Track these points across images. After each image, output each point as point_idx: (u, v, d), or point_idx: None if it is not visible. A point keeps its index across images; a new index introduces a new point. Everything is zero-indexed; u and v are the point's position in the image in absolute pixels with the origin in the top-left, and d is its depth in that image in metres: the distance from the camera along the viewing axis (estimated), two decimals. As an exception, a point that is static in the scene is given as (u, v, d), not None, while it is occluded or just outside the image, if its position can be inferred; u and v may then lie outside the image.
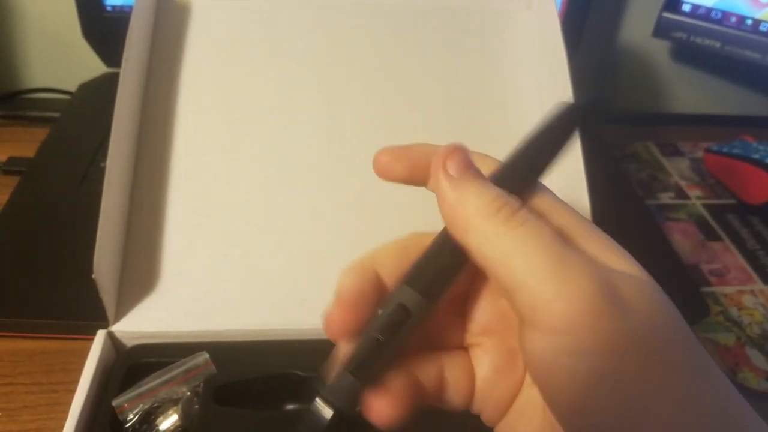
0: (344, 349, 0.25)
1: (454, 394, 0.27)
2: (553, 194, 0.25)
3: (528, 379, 0.26)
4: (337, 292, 0.26)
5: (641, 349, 0.20)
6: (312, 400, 0.24)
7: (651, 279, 0.22)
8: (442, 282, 0.25)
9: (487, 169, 0.25)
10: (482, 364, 0.27)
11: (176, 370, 0.40)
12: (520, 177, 0.25)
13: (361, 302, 0.25)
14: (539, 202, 0.25)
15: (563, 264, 0.20)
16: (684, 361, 0.21)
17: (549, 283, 0.20)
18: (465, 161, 0.24)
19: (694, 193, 0.72)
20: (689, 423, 0.20)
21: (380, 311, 0.24)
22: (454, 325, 0.28)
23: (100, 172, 0.41)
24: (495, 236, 0.22)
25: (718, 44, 0.72)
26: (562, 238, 0.22)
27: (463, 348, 0.28)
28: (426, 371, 0.26)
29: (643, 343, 0.20)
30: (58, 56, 0.81)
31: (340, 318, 0.25)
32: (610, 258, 0.22)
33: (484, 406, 0.27)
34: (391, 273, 0.26)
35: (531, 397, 0.26)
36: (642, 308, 0.21)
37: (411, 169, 0.27)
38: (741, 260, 0.62)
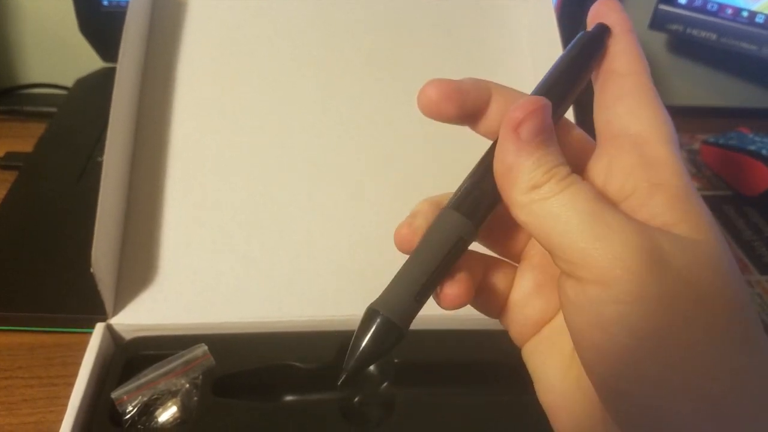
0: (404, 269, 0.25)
1: (488, 300, 0.28)
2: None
3: None
4: (413, 212, 0.26)
5: (686, 305, 0.20)
6: (371, 312, 0.25)
7: (713, 245, 0.22)
8: (489, 209, 0.25)
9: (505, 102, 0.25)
10: (524, 278, 0.27)
11: (175, 362, 0.40)
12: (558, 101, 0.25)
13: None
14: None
15: (601, 223, 0.21)
16: (736, 328, 0.21)
17: (587, 240, 0.21)
18: (539, 127, 0.23)
19: (690, 184, 0.72)
20: (748, 388, 0.20)
21: (433, 235, 0.25)
22: (514, 235, 0.28)
23: (98, 167, 0.41)
24: (537, 203, 0.22)
25: (714, 36, 0.72)
26: (603, 199, 0.22)
27: (516, 259, 0.29)
28: (473, 268, 0.27)
29: (686, 300, 0.20)
30: (55, 51, 0.81)
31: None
32: (671, 215, 0.22)
33: (514, 318, 0.27)
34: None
35: (564, 329, 0.25)
36: (688, 269, 0.21)
37: (461, 110, 0.25)
38: (737, 251, 0.62)
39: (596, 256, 0.21)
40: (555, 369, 0.25)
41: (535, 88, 0.25)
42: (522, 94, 0.25)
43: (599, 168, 0.25)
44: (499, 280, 0.28)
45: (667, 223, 0.22)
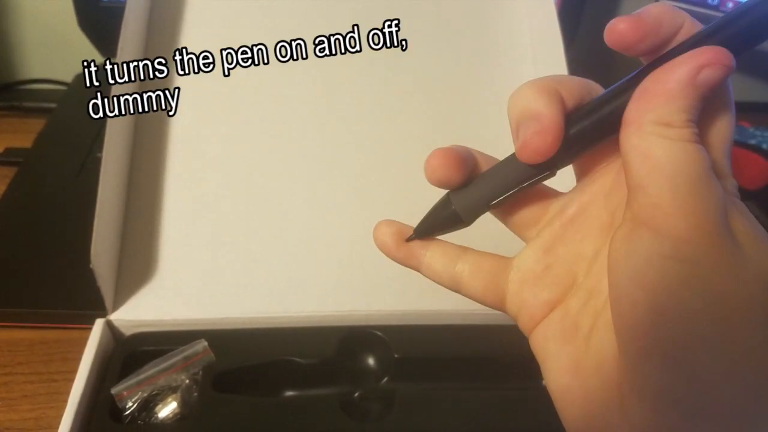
0: (484, 177, 0.27)
1: (496, 283, 0.28)
2: None
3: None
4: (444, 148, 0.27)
5: (753, 286, 0.21)
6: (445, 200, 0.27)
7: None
8: (591, 144, 0.25)
9: None
10: (533, 257, 0.27)
11: (175, 358, 0.40)
12: None
13: (460, 161, 0.26)
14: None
15: (706, 185, 0.21)
16: None
17: (686, 194, 0.21)
18: (717, 81, 0.22)
19: (691, 179, 0.72)
20: None
21: (511, 166, 0.26)
22: (529, 208, 0.28)
23: (97, 163, 0.41)
24: (661, 138, 0.22)
25: (714, 30, 0.72)
26: (712, 170, 0.22)
27: (524, 234, 0.29)
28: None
29: (756, 283, 0.21)
30: (54, 47, 0.80)
31: (439, 162, 0.26)
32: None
33: (523, 298, 0.27)
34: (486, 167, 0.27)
35: (581, 311, 0.25)
36: (754, 256, 0.21)
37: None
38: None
39: (688, 211, 0.21)
40: (568, 354, 0.25)
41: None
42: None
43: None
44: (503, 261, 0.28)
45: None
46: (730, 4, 0.70)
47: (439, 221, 0.27)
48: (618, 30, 0.23)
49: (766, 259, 0.21)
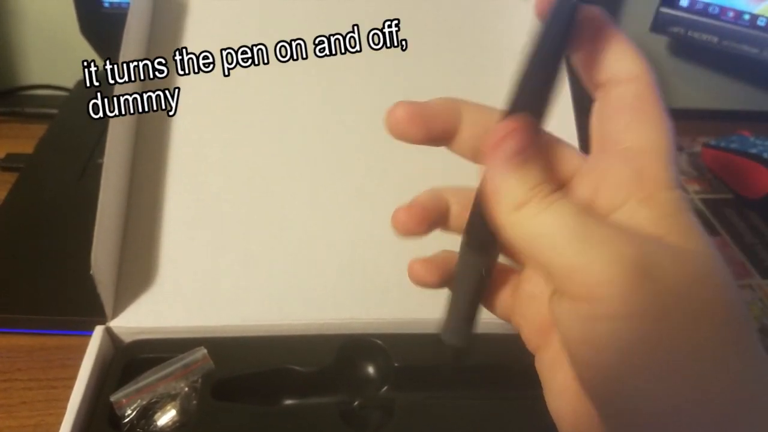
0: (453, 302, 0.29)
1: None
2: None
3: None
4: (413, 200, 0.29)
5: (675, 318, 0.20)
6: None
7: (703, 257, 0.21)
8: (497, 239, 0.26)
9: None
10: (530, 281, 0.28)
11: (174, 366, 0.40)
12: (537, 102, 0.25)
13: (425, 215, 0.28)
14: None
15: (587, 238, 0.21)
16: (728, 339, 0.21)
17: (574, 257, 0.21)
18: (519, 146, 0.23)
19: (692, 187, 0.72)
20: (746, 400, 0.20)
21: (460, 276, 0.28)
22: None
23: (98, 169, 0.41)
24: (521, 222, 0.22)
25: (715, 39, 0.72)
26: (589, 213, 0.22)
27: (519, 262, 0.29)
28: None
29: (675, 313, 0.20)
30: (56, 53, 0.81)
31: (405, 219, 0.28)
32: (658, 228, 0.22)
33: (522, 322, 0.28)
34: (459, 207, 0.28)
35: None
36: (676, 281, 0.20)
37: (428, 133, 0.26)
38: (739, 255, 0.62)
39: (584, 272, 0.20)
40: (561, 378, 0.25)
41: (510, 95, 0.25)
42: (494, 110, 0.25)
43: (589, 181, 0.25)
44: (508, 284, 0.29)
45: (654, 236, 0.22)
46: (731, 14, 0.71)
47: (449, 363, 0.30)
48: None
49: (693, 291, 0.21)
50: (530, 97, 0.24)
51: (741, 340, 0.21)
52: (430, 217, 0.28)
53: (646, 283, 0.20)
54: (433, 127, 0.26)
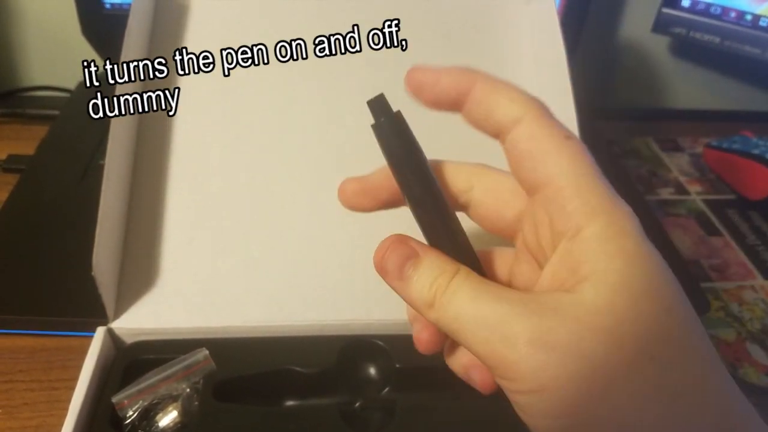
0: None
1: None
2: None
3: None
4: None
5: (581, 387, 0.21)
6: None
7: (629, 284, 0.21)
8: None
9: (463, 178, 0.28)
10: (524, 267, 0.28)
11: (176, 367, 0.40)
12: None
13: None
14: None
15: (487, 326, 0.22)
16: (650, 384, 0.21)
17: (481, 344, 0.22)
18: (399, 260, 0.25)
19: (694, 188, 0.72)
20: None
21: None
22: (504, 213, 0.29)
23: (100, 170, 0.41)
24: (438, 318, 0.24)
25: (717, 40, 0.72)
26: (485, 290, 0.23)
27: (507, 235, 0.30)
28: None
29: (583, 373, 0.21)
30: (57, 54, 0.81)
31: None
32: (564, 279, 0.22)
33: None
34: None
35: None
36: (579, 338, 0.21)
37: (376, 203, 0.30)
38: (741, 255, 0.62)
39: (493, 358, 0.22)
40: None
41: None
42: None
43: (529, 226, 0.26)
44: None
45: (567, 285, 0.22)
46: (733, 14, 0.71)
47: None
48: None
49: (600, 346, 0.21)
50: (413, 203, 0.26)
51: (668, 382, 0.21)
52: (380, 195, 0.29)
53: (544, 355, 0.21)
54: (379, 197, 0.30)
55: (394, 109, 0.27)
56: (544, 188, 0.23)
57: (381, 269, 0.25)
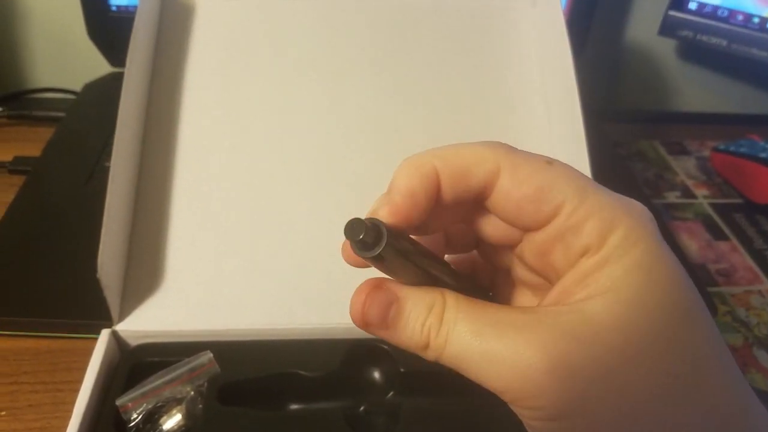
0: None
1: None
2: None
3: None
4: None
5: (593, 410, 0.21)
6: None
7: (626, 318, 0.21)
8: None
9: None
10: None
11: (180, 370, 0.40)
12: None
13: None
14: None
15: (496, 360, 0.21)
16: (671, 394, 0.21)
17: (495, 381, 0.22)
18: (379, 316, 0.24)
19: (700, 192, 0.71)
20: None
21: None
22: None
23: (105, 172, 0.41)
24: (438, 357, 0.23)
25: (724, 42, 0.72)
26: (486, 323, 0.22)
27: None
28: None
29: (602, 399, 0.21)
30: (63, 56, 0.81)
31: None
32: (570, 294, 0.22)
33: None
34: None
35: None
36: (596, 359, 0.21)
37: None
38: (748, 260, 0.61)
39: (511, 392, 0.21)
40: None
41: None
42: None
43: (528, 254, 0.25)
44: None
45: (578, 298, 0.22)
46: (740, 17, 0.70)
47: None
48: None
49: (611, 364, 0.20)
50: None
51: (678, 393, 0.21)
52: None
53: (565, 383, 0.20)
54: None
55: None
56: (553, 220, 0.23)
57: (363, 324, 0.24)
